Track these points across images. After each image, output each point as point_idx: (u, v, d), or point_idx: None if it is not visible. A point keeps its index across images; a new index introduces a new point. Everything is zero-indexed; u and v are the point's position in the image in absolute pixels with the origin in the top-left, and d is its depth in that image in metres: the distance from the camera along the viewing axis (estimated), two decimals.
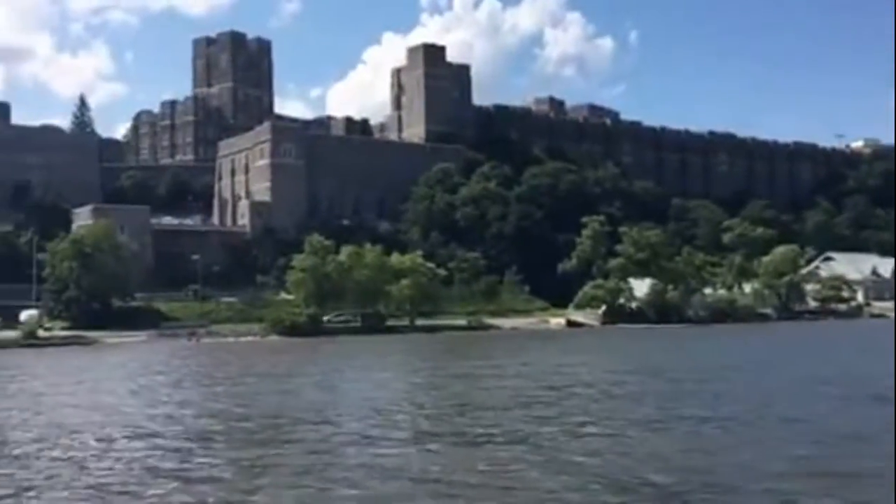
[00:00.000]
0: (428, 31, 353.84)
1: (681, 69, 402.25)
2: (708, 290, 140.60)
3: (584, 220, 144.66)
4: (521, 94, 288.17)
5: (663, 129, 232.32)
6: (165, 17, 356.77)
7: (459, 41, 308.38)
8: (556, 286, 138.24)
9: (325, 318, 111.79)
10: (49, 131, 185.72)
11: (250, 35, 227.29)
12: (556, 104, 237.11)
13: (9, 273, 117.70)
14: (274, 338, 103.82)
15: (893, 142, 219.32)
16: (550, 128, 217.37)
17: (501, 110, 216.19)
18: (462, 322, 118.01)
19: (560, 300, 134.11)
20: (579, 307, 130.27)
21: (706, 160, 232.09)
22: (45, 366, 64.40)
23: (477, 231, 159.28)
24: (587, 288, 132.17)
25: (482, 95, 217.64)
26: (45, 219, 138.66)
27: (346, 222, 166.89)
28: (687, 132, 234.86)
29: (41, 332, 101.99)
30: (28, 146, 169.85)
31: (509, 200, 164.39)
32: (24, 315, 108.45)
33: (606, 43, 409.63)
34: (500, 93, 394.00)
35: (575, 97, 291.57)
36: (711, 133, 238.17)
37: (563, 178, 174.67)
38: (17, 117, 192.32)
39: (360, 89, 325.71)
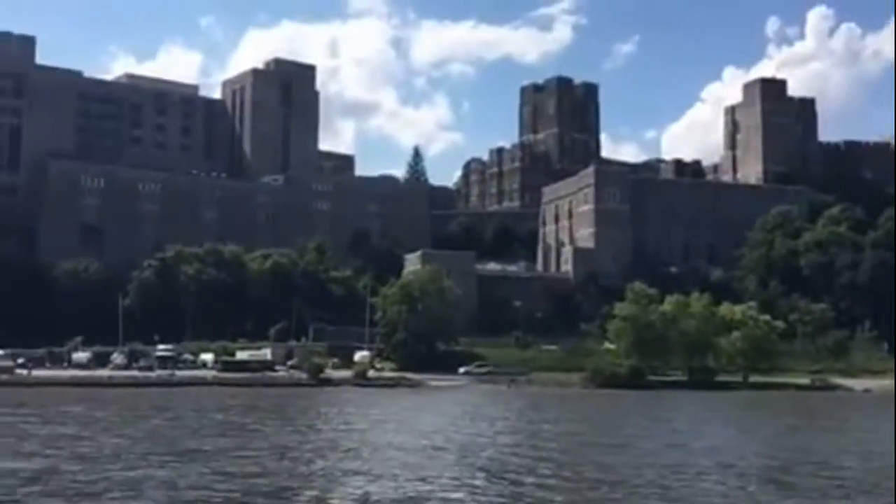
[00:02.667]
0: (773, 65, 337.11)
1: None
2: None
3: None
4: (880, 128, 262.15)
5: None
6: (500, 65, 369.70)
7: (811, 73, 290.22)
8: None
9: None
10: (386, 181, 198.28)
11: (577, 80, 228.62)
12: None
13: (347, 316, 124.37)
14: (593, 389, 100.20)
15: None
16: None
17: (853, 146, 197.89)
18: (804, 381, 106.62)
19: None
20: None
21: None
22: (368, 404, 65.65)
23: (823, 280, 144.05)
24: None
25: (834, 131, 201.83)
26: (381, 264, 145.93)
27: (673, 269, 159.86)
28: None
29: (371, 373, 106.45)
30: (368, 195, 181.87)
31: (862, 246, 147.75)
32: (358, 356, 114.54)
33: None
34: (857, 127, 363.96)
35: None
36: None
37: None
38: (361, 169, 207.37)
39: (697, 129, 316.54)
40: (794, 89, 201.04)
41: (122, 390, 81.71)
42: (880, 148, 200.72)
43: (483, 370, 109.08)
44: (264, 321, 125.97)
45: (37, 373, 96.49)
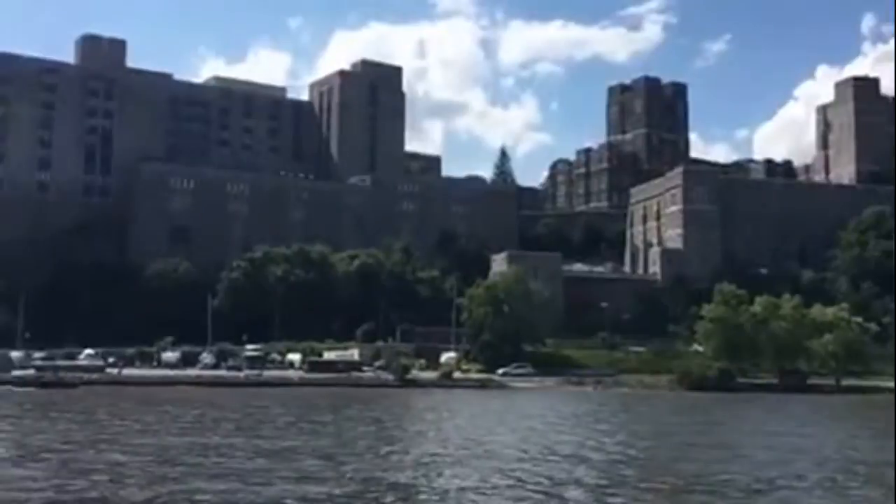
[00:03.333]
0: (868, 62, 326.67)
1: None
2: None
3: None
4: None
5: None
6: (589, 65, 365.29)
7: None
8: None
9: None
10: (473, 182, 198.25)
11: (667, 79, 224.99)
12: None
13: (434, 317, 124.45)
14: (681, 391, 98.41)
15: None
16: None
17: None
18: None
19: None
20: None
21: None
22: (454, 405, 65.42)
23: None
24: None
25: None
26: (468, 265, 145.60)
27: (763, 271, 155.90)
28: None
29: (456, 374, 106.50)
30: (455, 196, 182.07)
31: None
32: (444, 357, 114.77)
33: None
34: None
35: None
36: None
37: None
38: (448, 170, 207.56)
39: (790, 128, 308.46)
40: (889, 88, 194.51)
41: (210, 390, 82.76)
42: None
43: (522, 370, 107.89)
44: (351, 322, 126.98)
45: (127, 372, 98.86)
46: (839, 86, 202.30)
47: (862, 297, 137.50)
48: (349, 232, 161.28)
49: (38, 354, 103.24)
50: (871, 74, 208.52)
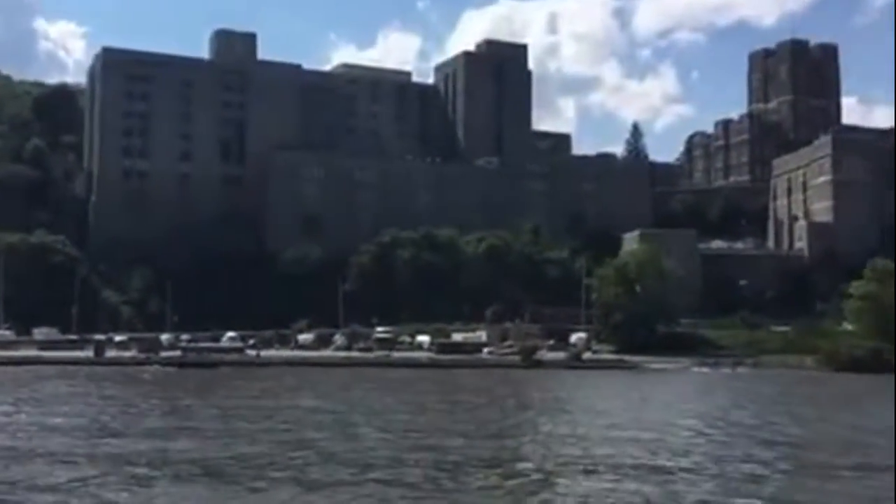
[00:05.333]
0: None
1: None
2: None
3: None
4: None
5: None
6: (733, 31, 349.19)
7: None
8: None
9: None
10: (603, 159, 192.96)
11: (814, 41, 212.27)
12: None
13: (563, 297, 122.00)
14: (828, 373, 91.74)
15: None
16: None
17: None
18: None
19: None
20: None
21: None
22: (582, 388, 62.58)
23: None
24: None
25: None
26: (598, 244, 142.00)
27: None
28: None
29: (586, 355, 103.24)
30: (584, 175, 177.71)
31: None
32: (574, 338, 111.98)
33: None
34: None
35: None
36: None
37: None
38: (582, 147, 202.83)
39: None
40: None
41: (342, 370, 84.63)
42: None
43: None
44: (480, 304, 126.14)
45: (265, 353, 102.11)
46: None
47: None
48: (477, 214, 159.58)
49: (184, 337, 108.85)
50: None
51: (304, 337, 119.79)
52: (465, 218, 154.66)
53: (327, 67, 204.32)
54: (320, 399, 49.94)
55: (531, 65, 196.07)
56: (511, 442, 28.93)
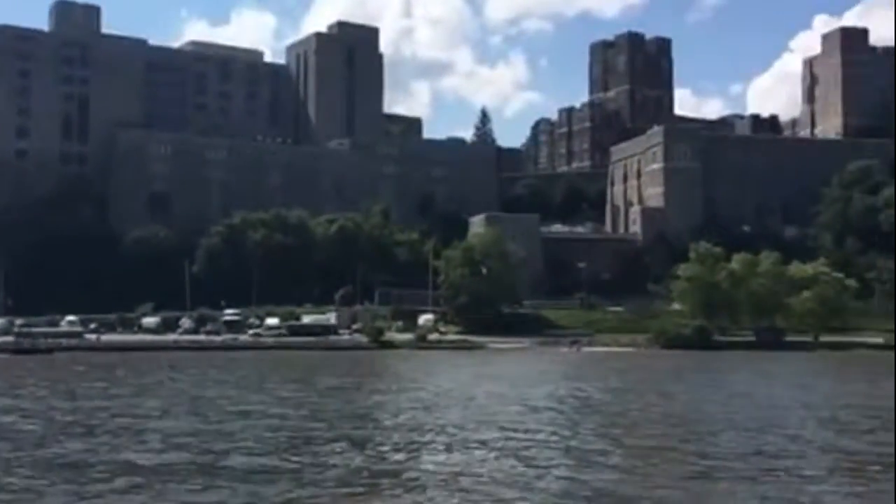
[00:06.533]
0: (869, 9, 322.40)
1: None
2: None
3: None
4: None
5: None
6: (579, 21, 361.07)
7: None
8: None
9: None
10: (453, 144, 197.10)
11: (655, 34, 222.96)
12: None
13: (413, 280, 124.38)
14: (658, 350, 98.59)
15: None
16: None
17: None
18: (878, 341, 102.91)
19: None
20: None
21: None
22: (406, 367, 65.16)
23: None
24: None
25: None
26: (447, 227, 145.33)
27: (746, 228, 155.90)
28: None
29: (432, 336, 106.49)
30: (435, 159, 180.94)
31: None
32: (422, 319, 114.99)
33: None
34: None
35: None
36: None
37: None
38: (436, 131, 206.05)
39: (785, 81, 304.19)
40: (889, 38, 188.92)
41: (187, 353, 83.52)
42: None
43: None
44: (330, 286, 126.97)
45: (106, 338, 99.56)
46: (826, 37, 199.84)
47: (846, 253, 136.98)
48: (328, 196, 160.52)
49: (19, 321, 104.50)
50: (861, 24, 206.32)
51: (149, 320, 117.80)
52: (317, 199, 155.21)
53: (176, 44, 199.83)
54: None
55: (384, 48, 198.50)
56: (362, 422, 30.47)
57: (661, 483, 19.34)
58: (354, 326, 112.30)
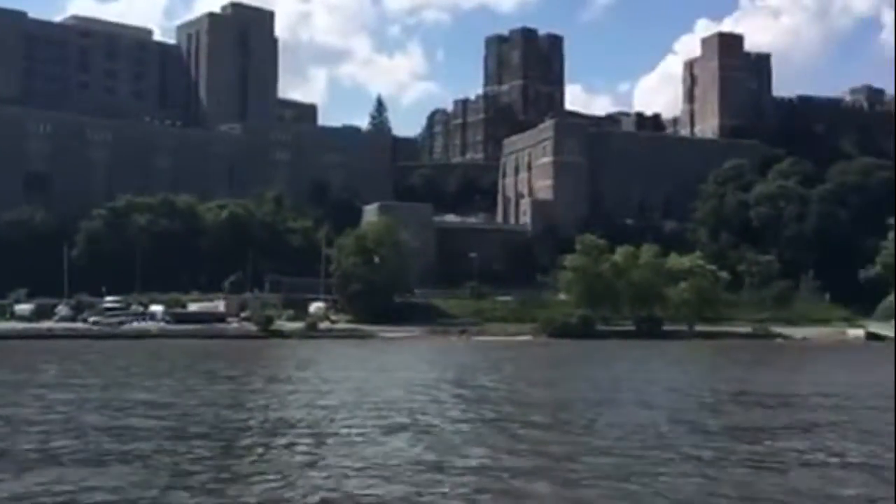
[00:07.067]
0: (746, 16, 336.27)
1: None
2: None
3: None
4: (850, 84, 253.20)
5: None
6: (476, 14, 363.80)
7: (785, 28, 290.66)
8: (862, 294, 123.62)
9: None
10: (348, 132, 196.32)
11: (548, 30, 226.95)
12: (875, 94, 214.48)
13: (306, 268, 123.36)
14: (544, 339, 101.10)
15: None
16: (863, 121, 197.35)
17: (805, 102, 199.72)
18: (747, 330, 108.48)
19: (865, 309, 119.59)
20: (881, 318, 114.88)
21: None
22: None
23: (771, 232, 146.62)
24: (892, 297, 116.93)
25: (804, 85, 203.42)
26: (341, 215, 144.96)
27: (629, 221, 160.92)
28: None
29: (322, 325, 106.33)
30: (329, 146, 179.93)
31: (809, 199, 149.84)
32: (313, 307, 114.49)
33: None
34: (829, 81, 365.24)
35: None
36: None
37: (874, 175, 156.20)
38: (332, 118, 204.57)
39: (668, 82, 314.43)
40: (763, 44, 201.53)
41: (63, 342, 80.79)
42: (832, 103, 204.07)
43: None
44: (219, 273, 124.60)
45: None
46: (706, 41, 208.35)
47: (720, 246, 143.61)
48: (219, 181, 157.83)
49: None
50: (738, 31, 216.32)
51: (23, 307, 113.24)
52: (207, 184, 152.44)
53: (58, 18, 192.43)
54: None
55: (280, 32, 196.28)
56: (258, 413, 30.45)
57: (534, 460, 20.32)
58: (243, 315, 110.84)
